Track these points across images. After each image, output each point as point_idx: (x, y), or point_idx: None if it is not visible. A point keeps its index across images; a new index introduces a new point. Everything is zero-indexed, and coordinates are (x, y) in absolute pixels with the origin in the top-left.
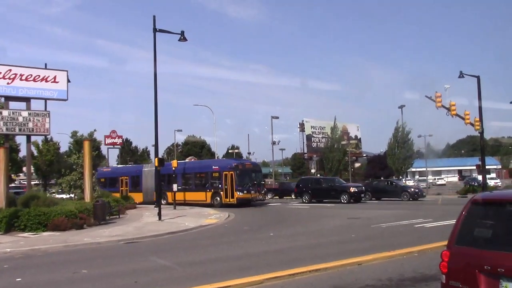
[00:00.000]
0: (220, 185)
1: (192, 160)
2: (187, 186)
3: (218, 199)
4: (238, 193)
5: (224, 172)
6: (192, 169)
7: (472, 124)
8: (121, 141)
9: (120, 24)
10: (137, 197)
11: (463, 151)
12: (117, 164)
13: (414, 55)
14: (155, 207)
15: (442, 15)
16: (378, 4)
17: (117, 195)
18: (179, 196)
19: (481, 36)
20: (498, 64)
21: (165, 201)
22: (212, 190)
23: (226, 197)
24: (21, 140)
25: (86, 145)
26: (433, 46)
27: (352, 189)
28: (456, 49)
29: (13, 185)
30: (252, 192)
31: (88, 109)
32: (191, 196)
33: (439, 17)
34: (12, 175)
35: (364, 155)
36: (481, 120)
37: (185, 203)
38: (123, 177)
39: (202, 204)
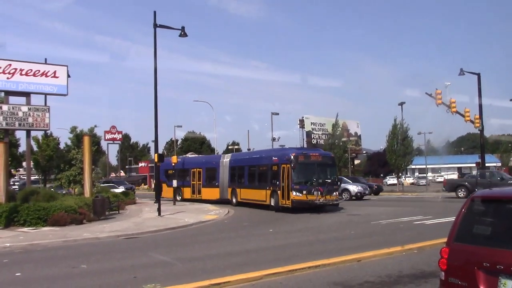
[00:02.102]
0: (277, 182)
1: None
2: (248, 182)
3: (275, 200)
4: (293, 194)
5: (282, 165)
6: (253, 161)
7: (472, 122)
8: (121, 137)
9: (120, 19)
10: (212, 193)
11: (463, 149)
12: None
13: (415, 52)
14: (154, 202)
15: (443, 11)
16: (379, 0)
17: (188, 190)
18: (241, 194)
19: (483, 33)
20: (499, 61)
21: (235, 199)
22: (271, 188)
23: (283, 197)
24: (20, 135)
25: (86, 140)
26: (434, 43)
27: None
28: (457, 46)
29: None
30: (315, 193)
31: (88, 104)
32: (250, 194)
33: (441, 13)
34: (12, 170)
35: (364, 152)
36: (481, 117)
37: (246, 203)
38: (195, 169)
39: (261, 205)
